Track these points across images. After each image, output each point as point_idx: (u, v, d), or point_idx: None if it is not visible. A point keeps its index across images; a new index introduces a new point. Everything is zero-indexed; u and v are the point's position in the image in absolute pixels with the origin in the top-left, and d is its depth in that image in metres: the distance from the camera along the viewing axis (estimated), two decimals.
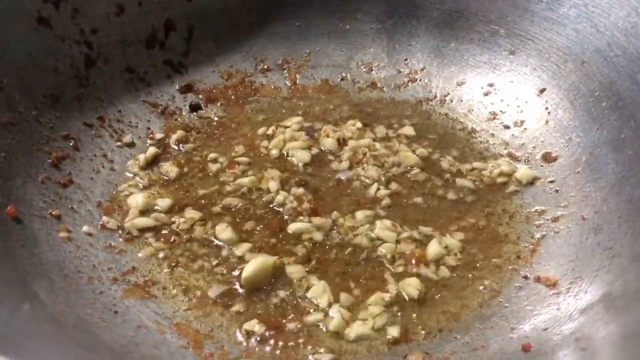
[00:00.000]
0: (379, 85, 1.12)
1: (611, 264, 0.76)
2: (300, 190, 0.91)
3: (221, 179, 0.94)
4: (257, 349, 0.73)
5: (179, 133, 1.01)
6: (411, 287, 0.78)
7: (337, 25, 1.15)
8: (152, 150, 0.97)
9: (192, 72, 1.10)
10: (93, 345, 0.68)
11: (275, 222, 0.87)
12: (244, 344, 0.74)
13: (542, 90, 1.02)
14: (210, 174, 0.95)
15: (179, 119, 1.05)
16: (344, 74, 1.14)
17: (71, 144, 0.92)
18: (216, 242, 0.85)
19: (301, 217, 0.87)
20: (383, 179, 0.94)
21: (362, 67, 1.14)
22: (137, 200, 0.89)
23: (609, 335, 0.66)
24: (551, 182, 0.93)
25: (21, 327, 0.64)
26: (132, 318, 0.75)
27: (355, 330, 0.74)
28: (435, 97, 1.09)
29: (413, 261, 0.82)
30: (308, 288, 0.79)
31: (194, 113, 1.06)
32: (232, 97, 1.09)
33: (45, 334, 0.66)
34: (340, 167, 0.96)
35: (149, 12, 1.06)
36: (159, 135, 1.01)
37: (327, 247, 0.84)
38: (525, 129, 1.01)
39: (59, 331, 0.66)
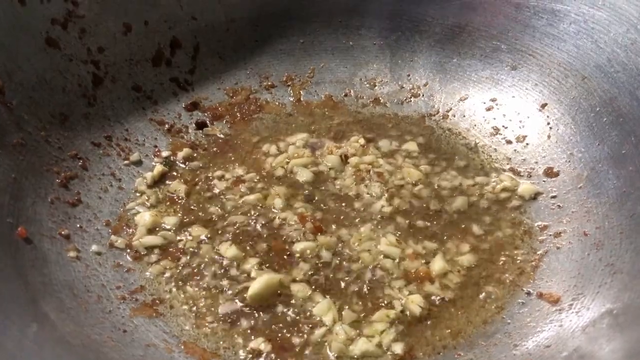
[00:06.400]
0: (382, 100, 1.13)
1: (613, 280, 0.77)
2: (305, 207, 0.92)
3: (227, 197, 0.95)
4: None
5: (186, 151, 1.02)
6: (414, 304, 0.79)
7: (341, 41, 1.17)
8: (159, 168, 0.98)
9: (197, 89, 1.11)
10: None
11: (281, 240, 0.88)
12: None
13: (544, 106, 1.02)
14: (216, 191, 0.96)
15: (185, 137, 1.06)
16: (347, 90, 1.15)
17: (79, 164, 0.94)
18: (222, 259, 0.85)
19: (306, 235, 0.88)
20: (387, 195, 0.94)
21: (365, 83, 1.15)
22: (144, 218, 0.90)
23: (612, 353, 0.66)
24: (553, 197, 0.93)
25: (31, 347, 0.65)
26: (141, 337, 0.76)
27: (359, 347, 0.75)
28: (438, 112, 1.10)
29: (418, 277, 0.83)
30: (313, 305, 0.79)
31: (200, 130, 1.07)
32: (238, 114, 1.11)
33: (55, 354, 0.66)
34: (344, 183, 0.96)
35: (156, 31, 1.07)
36: (165, 153, 1.02)
37: (331, 265, 0.85)
38: (527, 144, 1.02)
39: (68, 352, 0.67)
